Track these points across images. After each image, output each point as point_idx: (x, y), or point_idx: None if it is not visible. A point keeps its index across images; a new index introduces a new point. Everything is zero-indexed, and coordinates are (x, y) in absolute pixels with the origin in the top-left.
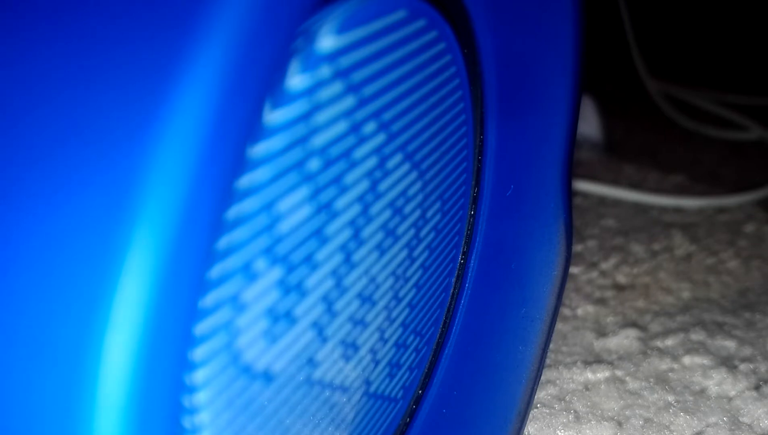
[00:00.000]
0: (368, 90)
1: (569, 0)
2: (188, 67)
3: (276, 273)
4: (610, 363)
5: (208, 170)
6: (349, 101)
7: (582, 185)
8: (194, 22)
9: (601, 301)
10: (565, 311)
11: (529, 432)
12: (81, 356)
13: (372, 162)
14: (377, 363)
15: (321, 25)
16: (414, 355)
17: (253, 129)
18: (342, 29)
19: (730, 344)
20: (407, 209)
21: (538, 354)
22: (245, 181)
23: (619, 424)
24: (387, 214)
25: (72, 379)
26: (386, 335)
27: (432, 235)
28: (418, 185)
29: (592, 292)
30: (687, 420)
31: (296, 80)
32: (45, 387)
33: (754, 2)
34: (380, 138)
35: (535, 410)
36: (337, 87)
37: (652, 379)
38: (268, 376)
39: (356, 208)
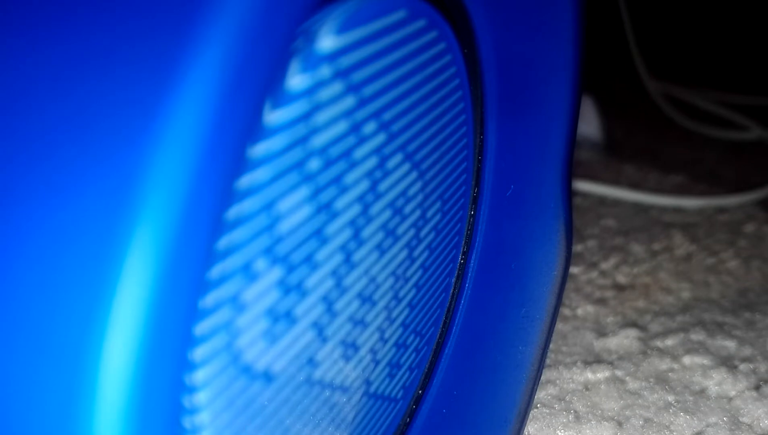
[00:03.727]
0: (368, 90)
1: (569, 0)
2: (188, 67)
3: (276, 273)
4: (610, 363)
5: (208, 170)
6: (349, 101)
7: (582, 185)
8: (194, 22)
9: (601, 301)
10: (565, 311)
11: (529, 432)
12: (81, 356)
13: (372, 162)
14: (377, 363)
15: (321, 25)
16: (414, 355)
17: (253, 129)
18: (342, 29)
19: (730, 344)
20: (407, 209)
21: (538, 354)
22: (245, 181)
23: (619, 424)
24: (387, 214)
25: (72, 379)
26: (386, 335)
27: (432, 235)
28: (418, 185)
29: (592, 292)
30: (687, 420)
31: (296, 80)
32: (45, 387)
33: (754, 2)
34: (380, 138)
35: (535, 410)
36: (337, 87)
37: (652, 379)
38: (268, 377)
39: (356, 208)
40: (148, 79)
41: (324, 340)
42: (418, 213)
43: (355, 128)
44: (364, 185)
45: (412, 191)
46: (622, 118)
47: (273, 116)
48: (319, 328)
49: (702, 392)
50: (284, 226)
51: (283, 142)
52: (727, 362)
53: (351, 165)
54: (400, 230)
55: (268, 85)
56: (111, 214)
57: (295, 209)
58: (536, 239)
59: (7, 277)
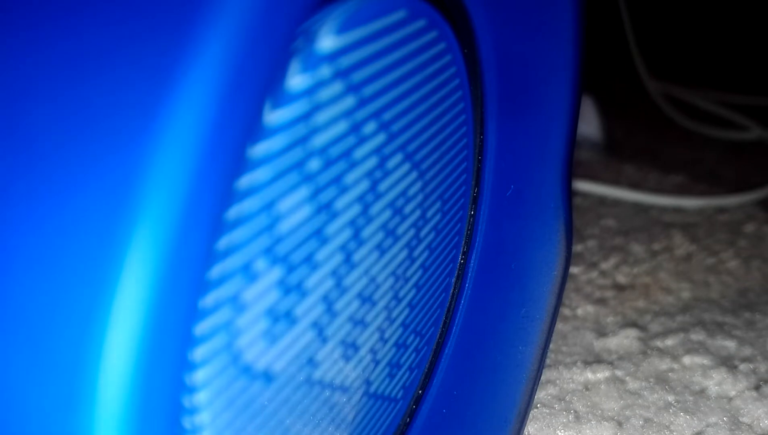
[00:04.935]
0: (368, 90)
1: (569, 0)
2: (188, 67)
3: (276, 273)
4: (610, 363)
5: (208, 170)
6: (349, 101)
7: (582, 185)
8: (194, 22)
9: (601, 301)
10: (565, 311)
11: (529, 432)
12: (81, 356)
13: (372, 162)
14: (377, 363)
15: (321, 25)
16: (414, 355)
17: (253, 129)
18: (342, 29)
19: (730, 344)
20: (407, 209)
21: (538, 354)
22: (245, 181)
23: (619, 424)
24: (387, 214)
25: (72, 379)
26: (386, 335)
27: (432, 235)
28: (418, 185)
29: (592, 292)
30: (687, 420)
31: (296, 80)
32: (45, 387)
33: (754, 2)
34: (380, 138)
35: (535, 410)
36: (337, 87)
37: (652, 379)
38: (268, 377)
39: (356, 208)
40: (149, 79)
41: (324, 340)
42: (418, 213)
43: (355, 128)
44: (364, 185)
45: (412, 191)
46: (622, 118)
47: (273, 116)
48: (319, 328)
49: (702, 392)
50: (284, 226)
51: (283, 142)
52: (727, 362)
53: (351, 165)
54: (400, 230)
55: (268, 85)
56: (111, 214)
57: (295, 209)
58: (536, 239)
59: (7, 278)
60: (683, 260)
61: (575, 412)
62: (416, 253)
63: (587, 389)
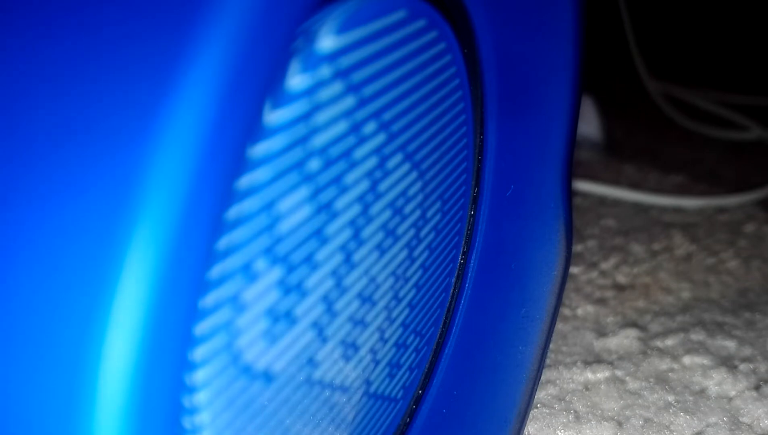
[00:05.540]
0: (368, 90)
1: (569, 0)
2: (188, 67)
3: (276, 273)
4: (610, 363)
5: (208, 170)
6: (349, 101)
7: (582, 185)
8: (194, 22)
9: (601, 301)
10: (565, 311)
11: (529, 432)
12: (81, 356)
13: (372, 162)
14: (377, 363)
15: (321, 25)
16: (414, 355)
17: (253, 129)
18: (342, 29)
19: (730, 344)
20: (407, 209)
21: (538, 354)
22: (245, 181)
23: (619, 424)
24: (387, 214)
25: (72, 379)
26: (386, 335)
27: (432, 235)
28: (418, 185)
29: (592, 292)
30: (687, 420)
31: (296, 80)
32: (45, 387)
33: (754, 2)
34: (380, 138)
35: (535, 410)
36: (337, 87)
37: (652, 379)
38: (268, 377)
39: (356, 208)
40: (149, 79)
41: (324, 340)
42: (418, 213)
43: (355, 128)
44: (364, 185)
45: (412, 191)
46: (622, 118)
47: (273, 116)
48: (319, 328)
49: (702, 392)
50: (284, 226)
51: (283, 142)
52: (727, 362)
53: (351, 165)
54: (400, 230)
55: (268, 85)
56: (111, 214)
57: (295, 209)
58: (536, 239)
59: (8, 278)
60: (683, 260)
61: (575, 412)
62: (416, 253)
63: (587, 389)
